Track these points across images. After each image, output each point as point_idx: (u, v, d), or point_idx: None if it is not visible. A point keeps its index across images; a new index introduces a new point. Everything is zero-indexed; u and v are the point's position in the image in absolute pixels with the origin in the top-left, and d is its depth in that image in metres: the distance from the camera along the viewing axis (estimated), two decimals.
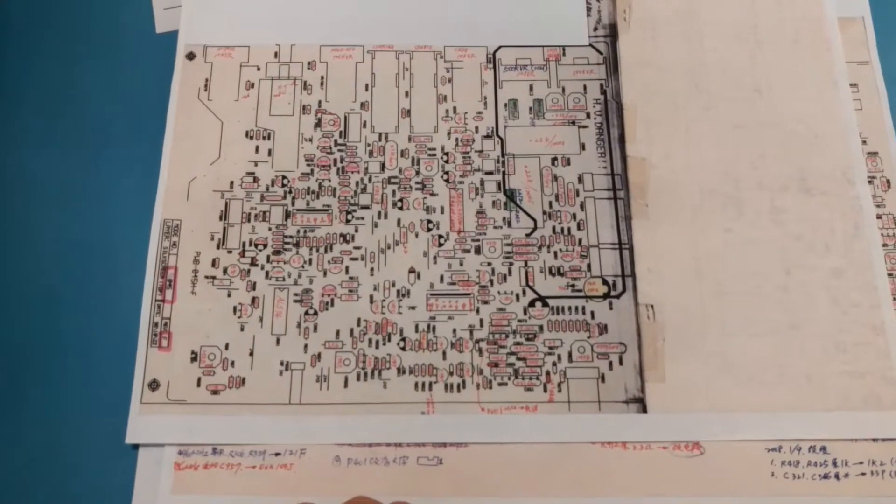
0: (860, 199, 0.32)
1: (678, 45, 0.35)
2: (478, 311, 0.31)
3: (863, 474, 0.29)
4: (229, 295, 0.31)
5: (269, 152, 0.33)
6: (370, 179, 0.33)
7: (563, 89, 0.34)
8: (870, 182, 0.33)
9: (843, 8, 0.36)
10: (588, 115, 0.34)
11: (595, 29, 0.35)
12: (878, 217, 0.32)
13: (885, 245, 0.32)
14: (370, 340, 0.30)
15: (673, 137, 0.33)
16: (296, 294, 0.31)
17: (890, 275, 0.31)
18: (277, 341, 0.30)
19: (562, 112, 0.34)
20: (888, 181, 0.33)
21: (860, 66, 0.35)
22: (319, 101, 0.34)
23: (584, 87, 0.34)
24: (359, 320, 0.31)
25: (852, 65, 0.35)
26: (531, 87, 0.34)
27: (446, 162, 0.33)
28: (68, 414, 0.30)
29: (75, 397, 0.30)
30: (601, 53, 0.35)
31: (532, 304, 0.31)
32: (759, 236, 0.32)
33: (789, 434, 0.29)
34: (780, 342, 0.30)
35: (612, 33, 0.35)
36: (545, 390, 0.30)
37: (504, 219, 0.32)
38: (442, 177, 0.33)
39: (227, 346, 0.30)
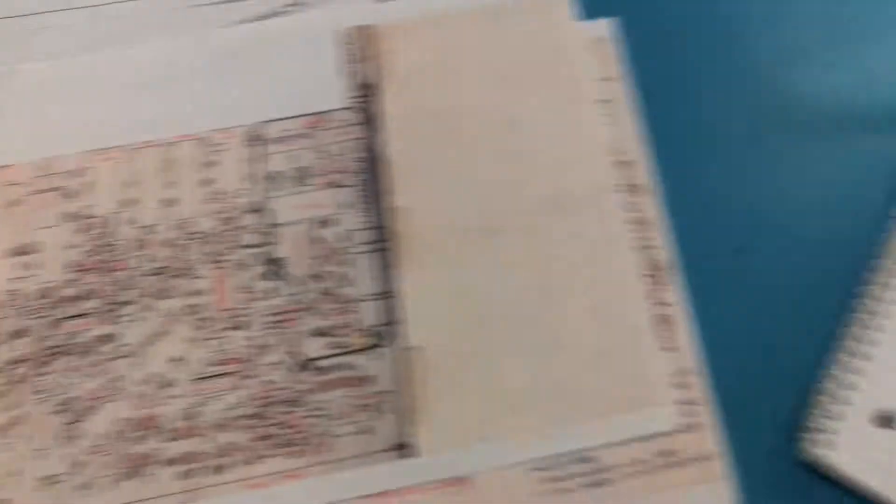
0: (612, 211, 0.33)
1: (435, 95, 0.36)
2: (242, 388, 0.31)
3: (631, 475, 0.28)
4: None
5: (30, 266, 0.33)
6: (134, 275, 0.33)
7: (327, 153, 0.35)
8: (627, 191, 0.34)
9: (589, 29, 0.37)
10: (354, 174, 0.35)
11: (352, 90, 0.37)
12: (639, 223, 0.33)
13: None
14: (135, 438, 0.30)
15: (433, 184, 0.34)
16: (59, 404, 0.30)
17: (645, 276, 0.32)
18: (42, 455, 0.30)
19: (324, 176, 0.35)
20: (638, 187, 0.34)
21: (609, 83, 0.36)
22: (86, 207, 0.34)
23: (347, 149, 0.35)
24: (123, 420, 0.30)
25: (602, 82, 0.36)
26: (294, 157, 0.35)
27: (207, 244, 0.33)
28: None
29: None
30: (362, 112, 0.36)
31: (301, 368, 0.31)
32: (518, 261, 0.32)
33: (552, 450, 0.29)
34: (540, 362, 0.30)
35: (371, 92, 0.36)
36: (315, 453, 0.29)
37: (270, 289, 0.32)
38: (207, 258, 0.33)
39: None
